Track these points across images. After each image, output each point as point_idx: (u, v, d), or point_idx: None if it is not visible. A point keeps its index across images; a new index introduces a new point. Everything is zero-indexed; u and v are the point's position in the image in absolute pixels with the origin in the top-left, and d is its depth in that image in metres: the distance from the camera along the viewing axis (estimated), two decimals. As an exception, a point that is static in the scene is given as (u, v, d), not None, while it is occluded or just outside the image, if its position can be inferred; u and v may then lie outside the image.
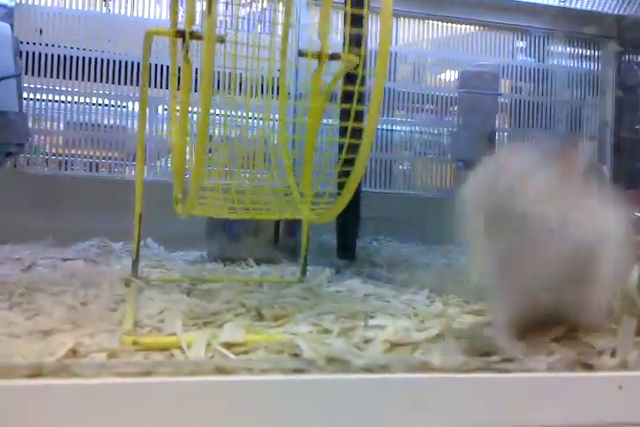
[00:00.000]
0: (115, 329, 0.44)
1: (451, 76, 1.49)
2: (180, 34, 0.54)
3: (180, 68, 0.67)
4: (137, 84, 1.27)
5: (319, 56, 0.59)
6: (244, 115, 0.60)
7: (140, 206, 0.67)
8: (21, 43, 1.24)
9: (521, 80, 1.50)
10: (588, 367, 0.33)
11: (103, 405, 0.26)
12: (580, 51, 1.54)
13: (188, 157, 0.71)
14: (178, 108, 0.68)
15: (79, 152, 1.29)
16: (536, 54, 1.51)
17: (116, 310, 0.51)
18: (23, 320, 0.47)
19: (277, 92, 0.70)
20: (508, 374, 0.31)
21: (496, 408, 0.30)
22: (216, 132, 0.69)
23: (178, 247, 1.13)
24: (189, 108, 0.55)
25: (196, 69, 0.55)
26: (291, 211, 0.53)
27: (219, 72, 0.52)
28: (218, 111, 0.63)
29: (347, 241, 0.97)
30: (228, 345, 0.38)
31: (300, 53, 0.59)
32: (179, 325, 0.41)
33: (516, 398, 0.31)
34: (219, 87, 0.59)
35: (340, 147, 0.60)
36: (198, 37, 0.55)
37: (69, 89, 1.28)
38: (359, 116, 0.61)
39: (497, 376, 0.31)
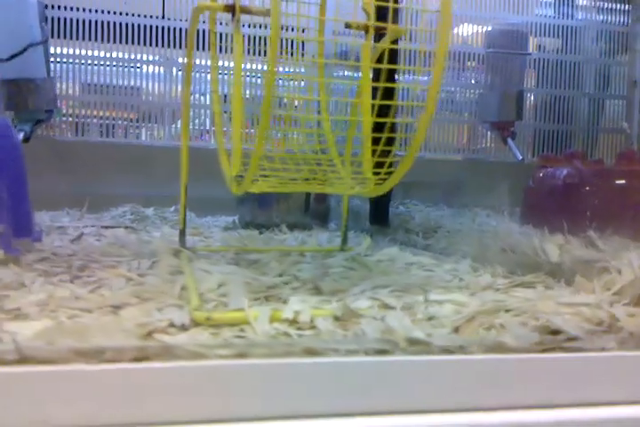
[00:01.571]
0: (180, 303, 0.45)
1: (469, 31, 1.46)
2: (230, 8, 0.54)
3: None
4: (156, 45, 1.28)
5: (366, 27, 0.58)
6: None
7: (185, 177, 0.68)
8: (46, 7, 1.24)
9: (547, 37, 1.47)
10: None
11: (200, 388, 0.28)
12: (608, 5, 1.49)
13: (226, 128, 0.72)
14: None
15: (99, 114, 1.30)
16: (561, 9, 1.47)
17: (174, 281, 0.52)
18: (87, 293, 0.49)
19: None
20: (579, 353, 0.32)
21: (568, 387, 0.32)
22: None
23: (206, 212, 1.15)
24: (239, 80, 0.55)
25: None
26: (348, 183, 0.54)
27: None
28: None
29: (379, 207, 0.98)
30: (295, 321, 0.40)
31: (347, 25, 0.59)
32: (245, 300, 0.43)
33: (587, 376, 0.32)
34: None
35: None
36: (248, 11, 0.55)
37: (89, 52, 1.28)
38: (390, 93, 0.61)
39: (570, 356, 0.32)
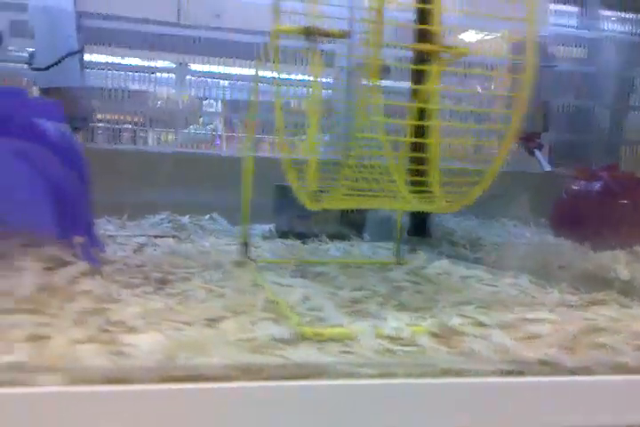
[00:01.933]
0: (270, 317, 0.47)
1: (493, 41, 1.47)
2: (309, 31, 0.56)
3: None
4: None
5: (431, 51, 0.60)
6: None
7: (247, 192, 0.69)
8: (80, 16, 1.26)
9: (570, 47, 1.48)
10: None
11: (354, 406, 0.29)
12: (631, 15, 1.50)
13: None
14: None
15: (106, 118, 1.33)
16: (584, 20, 1.48)
17: (254, 294, 0.53)
18: (177, 305, 0.50)
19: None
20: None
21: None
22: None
23: (239, 220, 1.16)
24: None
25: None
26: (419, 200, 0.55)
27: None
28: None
29: (420, 217, 0.99)
30: (396, 338, 0.41)
31: (413, 49, 0.61)
32: (343, 316, 0.44)
33: None
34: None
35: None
36: (326, 34, 0.57)
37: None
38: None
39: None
